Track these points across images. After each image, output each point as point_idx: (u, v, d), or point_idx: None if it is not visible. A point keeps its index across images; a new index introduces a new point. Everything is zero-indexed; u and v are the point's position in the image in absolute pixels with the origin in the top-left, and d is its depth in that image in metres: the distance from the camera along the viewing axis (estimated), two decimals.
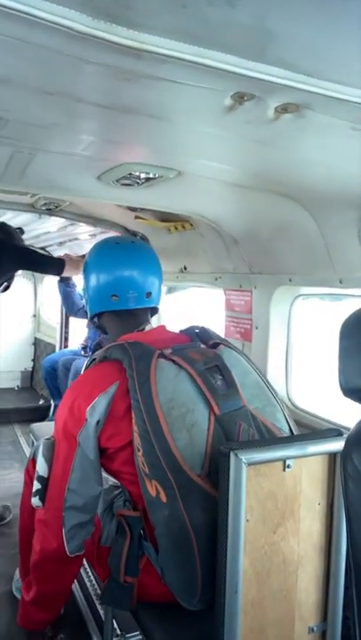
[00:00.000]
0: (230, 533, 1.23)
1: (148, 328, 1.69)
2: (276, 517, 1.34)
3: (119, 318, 1.71)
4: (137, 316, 1.70)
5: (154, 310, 1.79)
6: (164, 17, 0.71)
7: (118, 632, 2.30)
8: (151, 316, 1.78)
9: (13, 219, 3.89)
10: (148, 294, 1.69)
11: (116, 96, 0.99)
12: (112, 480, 1.66)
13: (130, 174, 1.71)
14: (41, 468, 1.53)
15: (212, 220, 2.30)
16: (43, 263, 3.61)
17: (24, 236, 3.61)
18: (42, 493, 1.51)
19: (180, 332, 1.73)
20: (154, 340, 1.57)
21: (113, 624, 2.22)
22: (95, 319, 1.76)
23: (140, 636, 1.77)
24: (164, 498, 1.32)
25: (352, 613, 1.02)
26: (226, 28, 0.75)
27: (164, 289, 3.64)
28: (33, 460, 1.93)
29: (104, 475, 1.59)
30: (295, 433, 1.57)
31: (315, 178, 1.50)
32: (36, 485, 1.53)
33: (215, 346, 1.61)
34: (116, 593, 1.50)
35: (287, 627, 1.37)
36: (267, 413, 1.51)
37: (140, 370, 1.39)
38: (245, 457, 1.22)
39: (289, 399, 2.42)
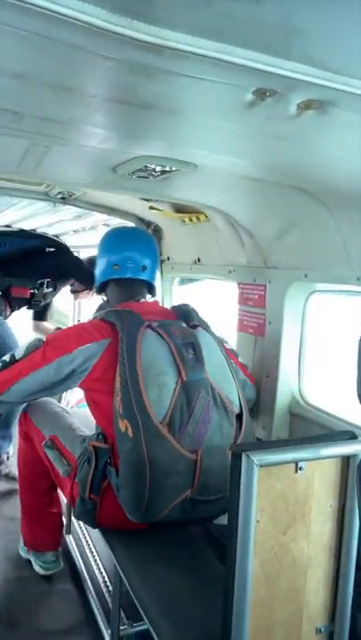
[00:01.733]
0: (240, 534, 1.23)
1: (142, 301, 2.14)
2: (287, 519, 1.33)
3: (119, 288, 2.16)
4: (134, 286, 2.15)
5: (151, 288, 2.24)
6: (187, 13, 0.68)
7: (126, 621, 2.33)
8: (149, 293, 2.22)
9: (28, 206, 3.89)
10: (144, 267, 2.15)
11: (134, 92, 0.97)
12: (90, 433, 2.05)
13: (145, 167, 1.69)
14: (16, 353, 1.87)
15: (228, 213, 2.27)
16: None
17: None
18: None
19: (172, 307, 2.14)
20: (145, 311, 1.95)
21: (120, 613, 2.25)
22: (102, 290, 2.24)
23: (146, 626, 1.80)
24: (130, 433, 1.67)
25: None
26: (251, 25, 0.72)
27: (176, 280, 3.66)
28: (25, 413, 2.34)
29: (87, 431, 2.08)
30: (244, 410, 1.90)
31: (335, 175, 1.46)
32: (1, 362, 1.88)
33: (195, 327, 1.95)
34: (83, 509, 1.93)
35: (295, 627, 1.37)
36: (224, 389, 1.85)
37: (130, 334, 1.75)
38: (257, 458, 1.21)
39: (301, 396, 2.40)
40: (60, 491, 2.41)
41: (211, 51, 0.77)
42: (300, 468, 1.31)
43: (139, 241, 2.25)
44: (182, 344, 1.81)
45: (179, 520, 1.87)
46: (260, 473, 1.23)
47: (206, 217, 2.77)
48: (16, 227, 5.29)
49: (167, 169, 1.69)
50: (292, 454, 1.29)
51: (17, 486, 3.11)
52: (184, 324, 1.94)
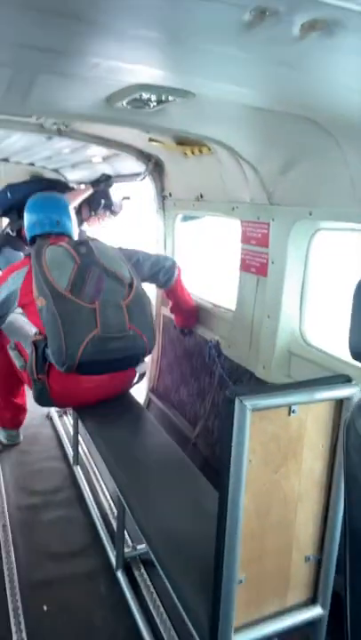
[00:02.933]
0: (232, 474, 1.27)
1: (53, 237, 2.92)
2: (279, 458, 1.37)
3: (42, 239, 2.90)
4: (51, 238, 2.89)
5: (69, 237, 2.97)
6: None
7: (130, 543, 2.50)
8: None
9: (21, 139, 3.71)
10: (58, 222, 2.96)
11: (119, 13, 0.87)
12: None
13: (140, 96, 1.57)
14: None
15: (230, 145, 2.14)
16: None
17: None
18: None
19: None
20: (53, 241, 2.78)
21: (124, 536, 2.41)
22: (32, 242, 2.98)
23: (146, 549, 1.93)
24: (44, 303, 2.45)
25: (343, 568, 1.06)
26: None
27: (179, 217, 3.55)
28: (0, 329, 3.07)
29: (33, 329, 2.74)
30: (135, 281, 2.65)
31: (343, 104, 1.35)
32: None
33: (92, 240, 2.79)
34: (37, 391, 2.63)
35: (285, 556, 1.46)
36: (115, 267, 2.63)
37: (37, 250, 2.62)
38: (250, 403, 1.22)
39: (301, 336, 2.39)
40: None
41: None
42: (293, 411, 1.33)
43: (51, 203, 3.07)
44: (76, 245, 2.66)
45: (95, 360, 2.48)
46: (253, 417, 1.25)
47: (209, 149, 2.63)
48: (14, 160, 5.12)
49: (163, 99, 1.57)
50: (286, 398, 1.30)
51: (25, 422, 3.33)
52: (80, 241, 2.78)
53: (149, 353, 2.75)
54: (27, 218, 3.02)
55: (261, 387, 1.43)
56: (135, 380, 2.87)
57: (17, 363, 2.80)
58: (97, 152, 3.82)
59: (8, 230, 4.50)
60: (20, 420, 3.44)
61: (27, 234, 3.03)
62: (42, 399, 2.67)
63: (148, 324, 2.66)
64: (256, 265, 2.54)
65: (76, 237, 3.04)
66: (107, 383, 2.70)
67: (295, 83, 1.22)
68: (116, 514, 2.48)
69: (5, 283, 2.75)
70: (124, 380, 2.80)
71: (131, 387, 2.90)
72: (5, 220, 4.80)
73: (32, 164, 5.17)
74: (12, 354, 2.84)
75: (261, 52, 1.02)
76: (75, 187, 4.35)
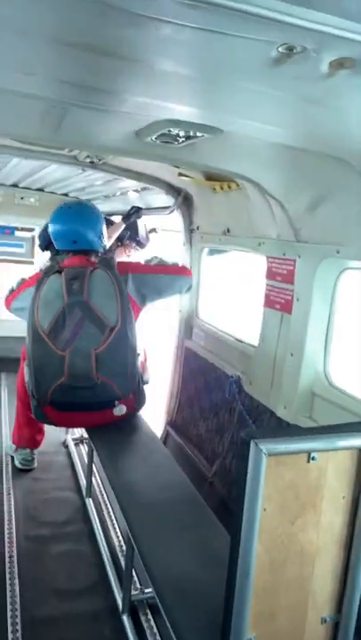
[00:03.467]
0: (245, 521, 1.20)
1: (70, 255, 2.94)
2: (296, 508, 1.28)
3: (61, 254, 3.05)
4: (70, 253, 2.94)
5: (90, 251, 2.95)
6: None
7: (138, 585, 2.39)
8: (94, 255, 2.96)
9: (57, 171, 3.83)
10: (74, 242, 2.91)
11: (147, 49, 0.88)
12: None
13: (169, 131, 1.59)
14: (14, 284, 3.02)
15: (258, 182, 2.14)
16: None
17: None
18: (9, 292, 3.01)
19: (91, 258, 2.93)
20: (68, 264, 2.84)
21: (133, 578, 2.31)
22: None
23: (150, 594, 1.84)
24: (28, 342, 2.68)
25: None
26: None
27: (205, 251, 3.56)
28: (24, 346, 2.95)
29: None
30: (120, 324, 2.64)
31: None
32: (10, 287, 3.03)
33: (96, 268, 2.76)
34: (34, 407, 2.78)
35: (300, 615, 1.35)
36: (102, 308, 2.64)
37: (40, 281, 2.75)
38: (266, 447, 1.16)
39: (326, 377, 2.31)
40: None
41: (232, 1, 0.67)
42: (313, 458, 1.26)
43: (75, 214, 3.03)
44: (70, 279, 2.68)
45: (64, 402, 2.64)
46: (269, 461, 1.18)
47: (237, 185, 2.65)
48: (48, 190, 5.30)
49: (192, 134, 1.58)
50: (305, 444, 1.23)
51: (40, 449, 3.31)
52: (88, 267, 2.75)
53: (125, 397, 2.72)
54: (49, 228, 3.00)
55: (279, 430, 1.36)
56: (119, 415, 2.79)
57: (26, 377, 2.85)
58: (128, 185, 3.91)
59: None
60: (37, 441, 3.41)
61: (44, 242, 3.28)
62: (37, 414, 2.81)
63: (121, 373, 2.63)
64: (281, 301, 2.49)
65: (102, 250, 3.01)
66: (84, 418, 2.82)
67: (324, 121, 1.21)
68: (125, 553, 2.39)
69: (19, 296, 2.92)
70: (103, 417, 2.77)
71: (115, 419, 2.81)
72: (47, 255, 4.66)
73: (66, 195, 5.34)
74: (26, 369, 2.87)
75: (289, 89, 1.01)
76: (114, 221, 4.37)
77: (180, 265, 3.16)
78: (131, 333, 2.67)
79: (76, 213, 3.00)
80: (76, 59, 0.95)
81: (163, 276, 2.96)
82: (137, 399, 2.86)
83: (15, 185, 5.13)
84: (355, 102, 1.07)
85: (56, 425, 2.98)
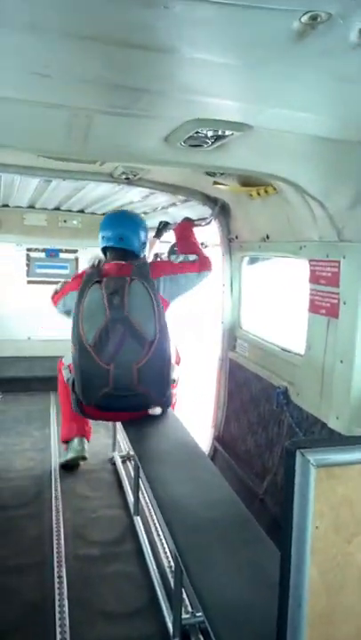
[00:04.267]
0: (295, 541, 1.09)
1: (113, 262, 3.23)
2: (353, 526, 1.16)
3: (106, 252, 3.35)
4: (114, 252, 3.27)
5: (131, 254, 3.26)
6: None
7: (189, 608, 2.29)
8: (134, 259, 3.24)
9: (95, 189, 3.89)
10: (121, 239, 3.23)
11: (160, 32, 0.83)
12: None
13: (197, 133, 1.54)
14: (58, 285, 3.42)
15: (295, 182, 2.05)
16: None
17: None
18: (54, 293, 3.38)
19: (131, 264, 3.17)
20: (108, 269, 3.16)
21: (184, 601, 2.21)
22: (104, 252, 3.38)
23: (202, 618, 1.74)
24: (74, 351, 2.94)
25: None
26: None
27: (245, 260, 3.48)
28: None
29: None
30: (157, 338, 2.91)
31: None
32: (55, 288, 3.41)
33: (132, 280, 3.01)
34: (73, 400, 3.09)
35: None
36: (142, 323, 2.91)
37: (82, 289, 3.02)
38: (314, 458, 1.05)
39: None
40: None
41: None
42: None
43: (119, 219, 3.41)
44: (111, 293, 2.94)
45: (110, 408, 2.97)
46: (319, 474, 1.08)
47: (275, 190, 2.56)
48: (89, 211, 5.41)
49: (220, 133, 1.53)
50: (358, 454, 1.12)
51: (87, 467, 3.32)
52: (126, 278, 3.01)
53: (159, 401, 3.07)
54: (99, 234, 3.34)
55: (326, 439, 1.25)
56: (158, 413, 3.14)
57: (64, 374, 3.33)
58: (166, 199, 3.91)
59: None
60: (86, 431, 3.63)
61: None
62: (76, 407, 3.10)
63: (160, 383, 2.99)
64: (326, 306, 2.36)
65: (141, 255, 3.35)
66: (120, 416, 3.18)
67: (356, 99, 1.11)
68: (174, 575, 2.30)
69: (63, 298, 3.24)
70: (141, 415, 3.10)
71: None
72: None
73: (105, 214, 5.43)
74: (64, 372, 3.34)
75: (318, 66, 0.93)
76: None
77: (200, 258, 3.28)
78: (167, 344, 2.98)
79: (124, 217, 3.44)
80: (89, 52, 0.92)
81: (190, 275, 3.23)
82: (167, 399, 3.15)
83: (57, 208, 5.27)
84: None
85: (93, 419, 3.36)
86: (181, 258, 3.34)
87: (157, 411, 3.09)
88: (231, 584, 1.74)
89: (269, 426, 3.01)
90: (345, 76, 0.97)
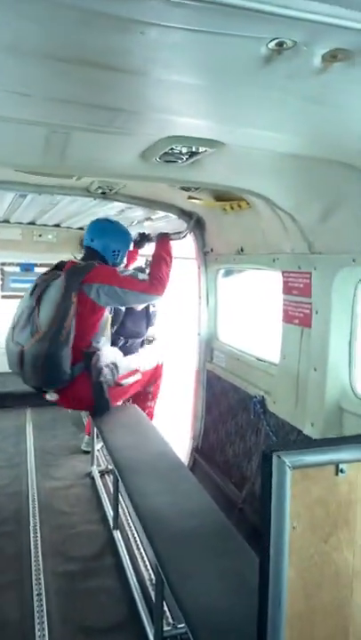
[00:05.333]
0: (273, 541, 1.12)
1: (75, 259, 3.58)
2: (328, 526, 1.20)
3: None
4: (85, 251, 3.61)
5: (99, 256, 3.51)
6: None
7: (170, 620, 2.28)
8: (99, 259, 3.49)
9: (71, 204, 3.92)
10: (92, 239, 3.54)
11: (136, 56, 0.88)
12: None
13: (172, 150, 1.59)
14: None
15: (267, 197, 2.13)
16: None
17: None
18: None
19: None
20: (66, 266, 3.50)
21: (164, 610, 2.20)
22: None
23: (184, 629, 1.74)
24: None
25: None
26: None
27: (221, 272, 3.55)
28: None
29: None
30: (49, 329, 3.28)
31: None
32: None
33: (58, 276, 3.39)
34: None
35: None
36: (41, 312, 3.34)
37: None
38: (290, 460, 1.09)
39: (353, 390, 2.22)
40: None
41: None
42: (342, 471, 1.18)
43: (95, 226, 3.62)
44: (37, 284, 3.42)
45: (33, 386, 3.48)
46: (295, 475, 1.12)
47: (247, 204, 2.64)
48: (65, 225, 5.42)
49: (194, 150, 1.59)
50: (331, 455, 1.16)
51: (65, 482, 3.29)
52: (58, 273, 3.40)
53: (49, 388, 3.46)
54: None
55: (301, 442, 1.30)
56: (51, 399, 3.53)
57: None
58: (141, 213, 3.96)
59: None
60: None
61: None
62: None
63: (42, 370, 3.32)
64: (299, 316, 2.44)
65: (114, 261, 3.54)
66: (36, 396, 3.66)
67: (324, 121, 1.19)
68: (155, 587, 2.29)
69: None
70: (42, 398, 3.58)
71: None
72: None
73: (82, 229, 5.45)
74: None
75: (284, 88, 1.00)
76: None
77: (151, 279, 3.38)
78: (57, 338, 3.26)
79: (105, 222, 3.66)
80: (68, 74, 0.96)
81: (129, 291, 3.36)
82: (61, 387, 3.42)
83: (32, 223, 5.26)
84: (353, 98, 1.05)
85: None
86: (129, 272, 3.46)
87: (51, 397, 3.44)
88: (212, 593, 1.75)
89: (247, 435, 3.05)
90: (309, 98, 1.04)
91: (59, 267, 3.52)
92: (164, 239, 3.52)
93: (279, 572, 1.14)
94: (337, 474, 1.18)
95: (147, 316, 4.74)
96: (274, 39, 0.82)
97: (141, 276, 3.39)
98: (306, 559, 1.19)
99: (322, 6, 0.73)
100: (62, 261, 3.58)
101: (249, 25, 0.77)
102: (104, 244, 3.49)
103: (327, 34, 0.80)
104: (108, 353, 3.54)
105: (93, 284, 3.29)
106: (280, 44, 0.83)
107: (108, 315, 3.60)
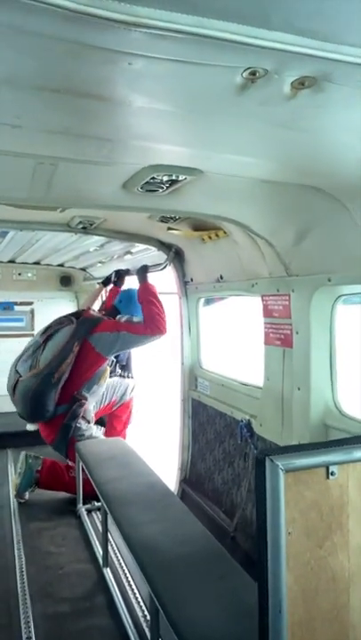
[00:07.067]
0: (270, 547, 1.13)
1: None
2: (322, 530, 1.22)
3: None
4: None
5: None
6: None
7: None
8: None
9: (52, 240, 3.98)
10: (120, 301, 4.13)
11: (122, 85, 0.96)
12: None
13: (153, 179, 1.68)
14: None
15: (243, 223, 2.23)
16: None
17: None
18: None
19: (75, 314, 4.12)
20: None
21: None
22: None
23: None
24: None
25: None
26: None
27: (201, 301, 3.63)
28: None
29: None
30: (45, 369, 3.68)
31: (345, 163, 1.40)
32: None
33: (63, 327, 3.89)
34: None
35: None
36: (43, 354, 3.76)
37: None
38: (282, 462, 1.12)
39: (336, 407, 2.27)
40: None
41: (187, 25, 0.75)
42: (332, 473, 1.21)
43: (127, 293, 4.11)
44: (51, 325, 3.96)
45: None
46: (288, 479, 1.14)
47: (225, 233, 2.75)
48: (45, 262, 5.47)
49: (174, 178, 1.68)
50: (321, 457, 1.20)
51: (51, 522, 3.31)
52: (72, 319, 3.90)
53: (32, 420, 3.84)
54: None
55: (292, 446, 1.33)
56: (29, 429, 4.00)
57: None
58: (121, 247, 4.05)
59: None
60: None
61: None
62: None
63: (26, 403, 3.70)
64: (281, 337, 2.51)
65: (123, 315, 3.98)
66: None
67: (294, 145, 1.29)
68: (149, 621, 2.22)
69: None
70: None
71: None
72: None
73: (62, 265, 5.51)
74: None
75: (258, 115, 1.09)
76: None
77: (146, 320, 3.69)
78: (44, 376, 3.62)
79: (130, 293, 4.07)
80: (59, 105, 1.03)
81: (131, 336, 3.70)
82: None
83: (12, 261, 5.30)
84: (319, 122, 1.15)
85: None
86: (125, 318, 3.89)
87: (29, 427, 3.88)
88: (210, 618, 1.72)
89: (235, 461, 3.05)
90: (281, 123, 1.14)
91: (77, 314, 3.99)
92: (144, 285, 3.84)
93: (278, 580, 1.14)
94: (328, 477, 1.21)
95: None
96: (248, 68, 0.91)
97: (136, 319, 3.80)
98: (302, 565, 1.20)
99: (290, 37, 0.82)
100: (80, 310, 4.14)
101: (225, 55, 0.86)
102: (128, 307, 3.94)
103: (295, 62, 0.90)
104: (92, 418, 3.87)
105: (102, 334, 3.72)
106: (253, 73, 0.93)
107: (106, 366, 3.92)
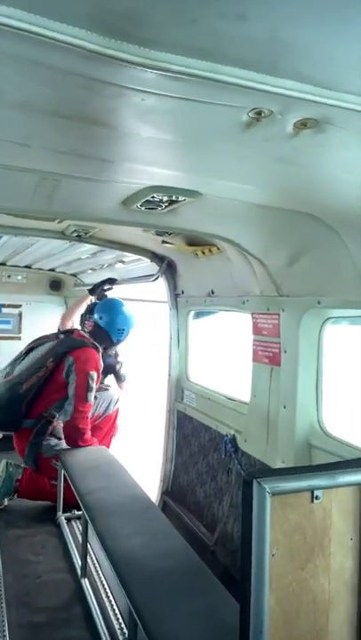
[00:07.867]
0: (254, 568, 1.16)
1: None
2: (305, 552, 1.25)
3: None
4: None
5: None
6: (175, 32, 0.71)
7: None
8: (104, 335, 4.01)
9: (45, 245, 3.99)
10: (100, 317, 4.03)
11: (133, 118, 1.00)
12: None
13: (153, 198, 1.72)
14: None
15: (238, 243, 2.28)
16: None
17: None
18: None
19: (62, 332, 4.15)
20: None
21: None
22: None
23: None
24: None
25: None
26: (238, 42, 0.74)
27: (191, 314, 3.66)
28: None
29: None
30: (18, 380, 3.70)
31: (341, 197, 1.46)
32: None
33: (44, 343, 3.88)
34: None
35: None
36: (22, 366, 3.77)
37: None
38: (269, 486, 1.15)
39: (320, 426, 2.31)
40: None
41: (201, 70, 0.79)
42: (317, 497, 1.25)
43: (105, 304, 4.11)
44: (38, 339, 3.96)
45: None
46: (274, 502, 1.17)
47: (218, 249, 2.79)
48: (36, 266, 5.47)
49: (174, 199, 1.72)
50: (307, 482, 1.23)
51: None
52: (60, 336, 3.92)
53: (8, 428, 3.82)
54: None
55: (279, 469, 1.36)
56: None
57: None
58: (113, 256, 4.08)
59: None
60: None
61: None
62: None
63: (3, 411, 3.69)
64: (269, 355, 2.55)
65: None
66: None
67: (293, 178, 1.34)
68: (127, 634, 2.22)
69: None
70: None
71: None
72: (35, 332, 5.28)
73: (53, 270, 5.51)
74: None
75: (261, 149, 1.13)
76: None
77: (79, 416, 3.64)
78: (18, 386, 3.64)
79: (109, 303, 4.10)
80: (69, 129, 1.06)
81: (75, 399, 3.64)
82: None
83: (3, 263, 5.29)
84: (318, 159, 1.20)
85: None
86: (93, 389, 3.70)
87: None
88: (189, 633, 1.73)
89: (218, 475, 3.07)
90: (282, 158, 1.18)
91: (70, 331, 3.98)
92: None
93: (260, 601, 1.16)
94: (312, 501, 1.25)
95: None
96: (254, 108, 0.95)
97: (90, 397, 3.66)
98: (285, 587, 1.22)
99: (295, 84, 0.87)
100: (72, 329, 4.07)
101: (234, 96, 0.90)
102: (110, 321, 3.86)
103: (299, 105, 0.94)
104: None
105: (73, 361, 3.63)
106: (259, 113, 0.97)
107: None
